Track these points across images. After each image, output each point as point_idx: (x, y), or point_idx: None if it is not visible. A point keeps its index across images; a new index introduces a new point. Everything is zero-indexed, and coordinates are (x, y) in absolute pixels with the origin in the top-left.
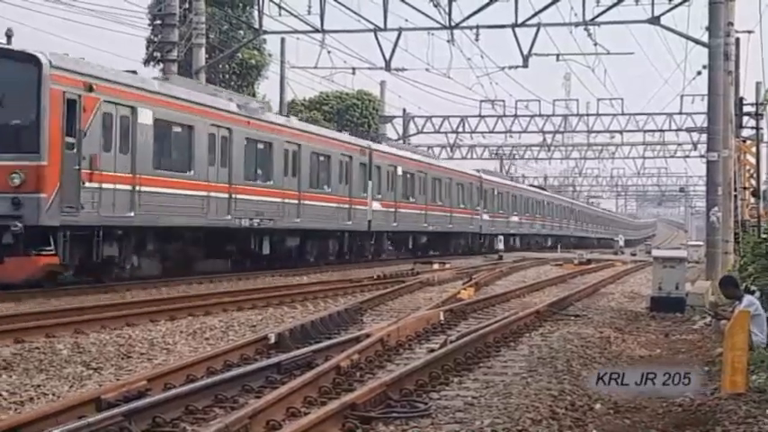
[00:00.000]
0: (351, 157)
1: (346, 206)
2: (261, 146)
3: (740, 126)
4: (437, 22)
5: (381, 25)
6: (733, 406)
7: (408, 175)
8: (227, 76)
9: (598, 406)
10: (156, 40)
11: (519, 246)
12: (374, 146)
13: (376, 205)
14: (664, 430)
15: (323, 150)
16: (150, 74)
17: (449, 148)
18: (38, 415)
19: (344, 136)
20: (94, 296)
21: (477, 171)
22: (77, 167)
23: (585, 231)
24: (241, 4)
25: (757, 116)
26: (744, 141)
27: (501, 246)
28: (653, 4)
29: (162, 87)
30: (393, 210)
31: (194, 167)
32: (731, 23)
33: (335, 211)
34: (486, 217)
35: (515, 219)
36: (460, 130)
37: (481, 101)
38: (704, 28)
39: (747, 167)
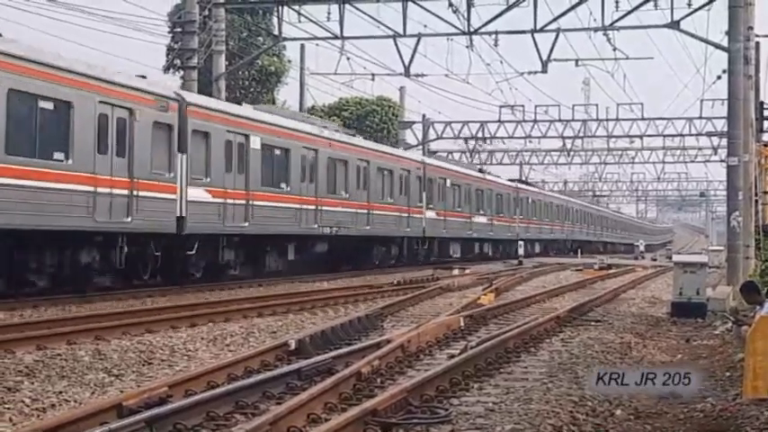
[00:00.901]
0: (131, 110)
1: (124, 192)
2: None
3: (761, 130)
4: (456, 27)
5: (400, 31)
6: (755, 411)
7: (276, 152)
8: (246, 82)
9: (619, 411)
10: (175, 47)
11: (490, 253)
12: (190, 97)
13: (196, 194)
14: None
15: (33, 88)
16: (170, 81)
17: (468, 154)
18: (60, 422)
19: (109, 73)
20: (115, 303)
21: (422, 155)
22: None
23: (588, 235)
24: (260, 11)
25: None
26: (765, 146)
27: (458, 254)
28: (672, 8)
29: None
30: (244, 202)
31: None
32: (751, 27)
33: (87, 200)
34: (431, 216)
35: (482, 219)
36: (480, 135)
37: (501, 106)
38: (724, 32)
39: None
